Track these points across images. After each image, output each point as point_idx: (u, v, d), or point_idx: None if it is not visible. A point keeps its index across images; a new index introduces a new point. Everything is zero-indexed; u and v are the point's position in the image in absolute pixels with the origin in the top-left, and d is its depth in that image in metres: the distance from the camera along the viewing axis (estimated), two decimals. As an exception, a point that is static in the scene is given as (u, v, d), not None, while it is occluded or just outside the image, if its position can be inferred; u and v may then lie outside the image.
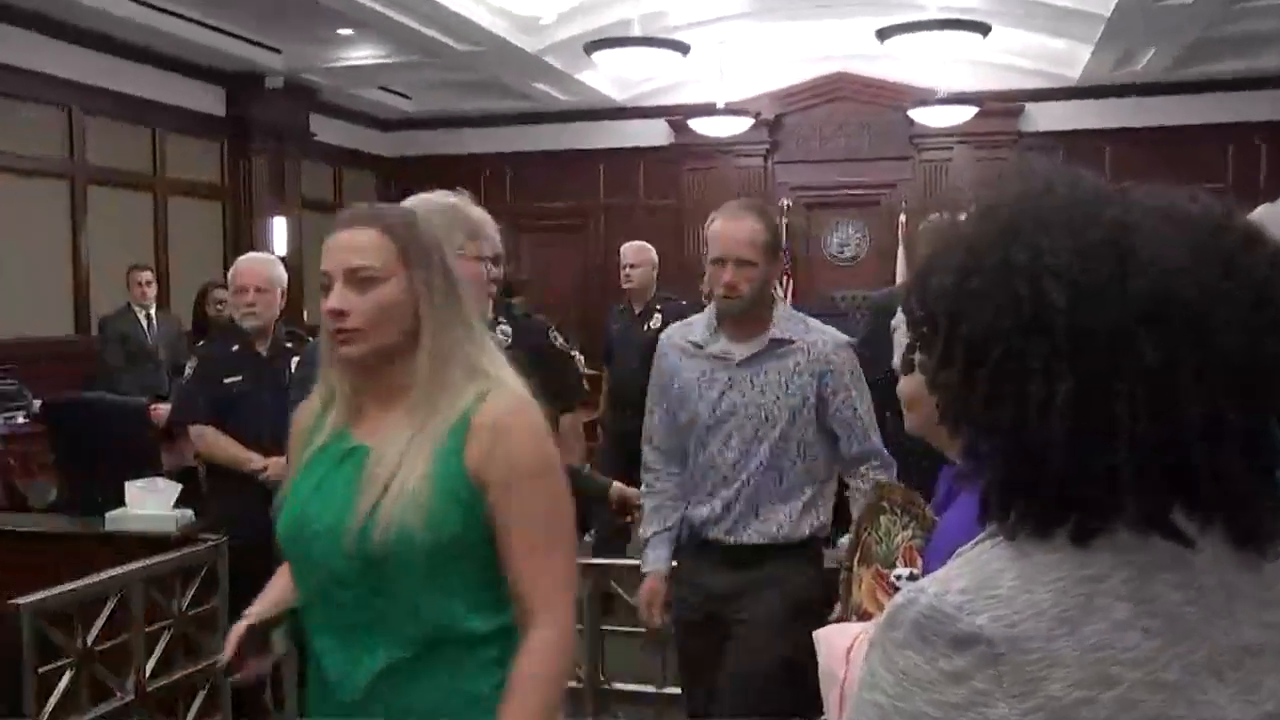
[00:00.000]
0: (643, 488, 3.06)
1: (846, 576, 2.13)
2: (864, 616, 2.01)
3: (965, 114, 10.23)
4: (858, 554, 2.09)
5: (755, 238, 2.81)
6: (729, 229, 2.83)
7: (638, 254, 6.15)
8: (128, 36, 8.74)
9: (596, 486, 3.50)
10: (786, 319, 2.91)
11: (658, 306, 5.94)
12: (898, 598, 0.88)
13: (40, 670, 3.15)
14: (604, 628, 3.79)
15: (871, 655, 0.88)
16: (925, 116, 10.49)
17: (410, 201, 2.56)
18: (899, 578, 1.45)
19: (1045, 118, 11.45)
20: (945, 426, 0.93)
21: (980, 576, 0.86)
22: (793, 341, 2.86)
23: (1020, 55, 10.72)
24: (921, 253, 1.00)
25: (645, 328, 5.66)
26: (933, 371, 0.91)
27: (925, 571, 1.81)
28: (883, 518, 2.08)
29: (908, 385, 2.03)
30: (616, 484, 3.49)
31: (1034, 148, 11.20)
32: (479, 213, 2.61)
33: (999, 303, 0.85)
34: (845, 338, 2.95)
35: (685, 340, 2.95)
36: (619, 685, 3.74)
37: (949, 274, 0.89)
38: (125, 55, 9.01)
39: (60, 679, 3.21)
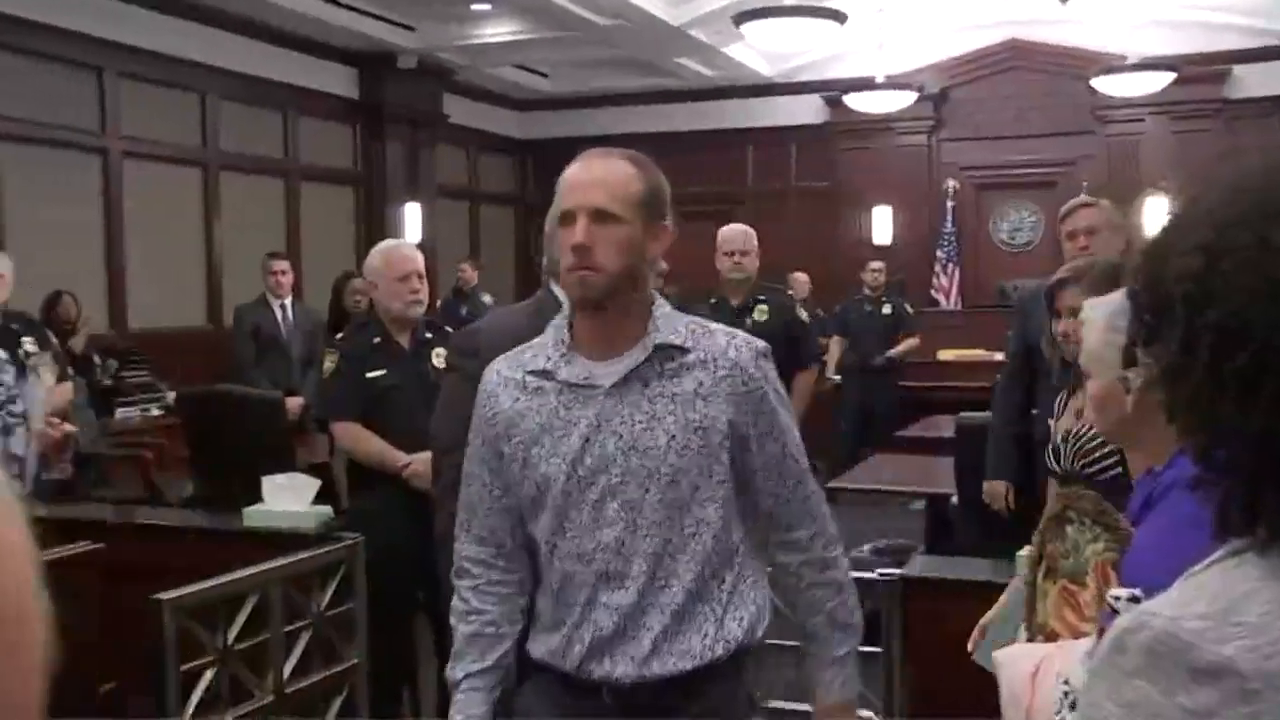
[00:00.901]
0: (455, 602, 2.19)
1: (1029, 592, 2.08)
2: (1050, 636, 1.97)
3: (1159, 81, 9.82)
4: (1042, 567, 2.04)
5: (624, 185, 2.03)
6: (582, 172, 2.07)
7: (747, 239, 5.65)
8: (260, 17, 9.07)
9: None
10: (673, 319, 2.08)
11: (760, 298, 5.54)
12: (1123, 621, 0.85)
13: (183, 668, 3.29)
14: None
15: (1094, 685, 0.85)
16: (1111, 85, 10.11)
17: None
18: (1117, 598, 1.41)
19: (1256, 81, 10.81)
20: (1176, 427, 0.89)
21: (1223, 600, 0.81)
22: (687, 350, 2.03)
23: (1225, 10, 10.19)
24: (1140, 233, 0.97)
25: (747, 323, 5.32)
26: (1168, 366, 0.89)
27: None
28: (1069, 528, 2.03)
29: (1098, 385, 1.99)
30: None
31: (1242, 117, 10.71)
32: None
33: (1255, 287, 0.82)
34: (761, 342, 2.15)
35: (521, 371, 2.10)
36: (772, 703, 3.73)
37: (1193, 256, 0.86)
38: (257, 37, 9.36)
39: (202, 677, 3.35)
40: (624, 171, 2.05)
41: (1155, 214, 10.65)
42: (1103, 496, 2.64)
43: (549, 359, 2.08)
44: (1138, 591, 1.35)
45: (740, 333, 2.15)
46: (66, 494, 4.82)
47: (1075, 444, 2.78)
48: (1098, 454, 2.70)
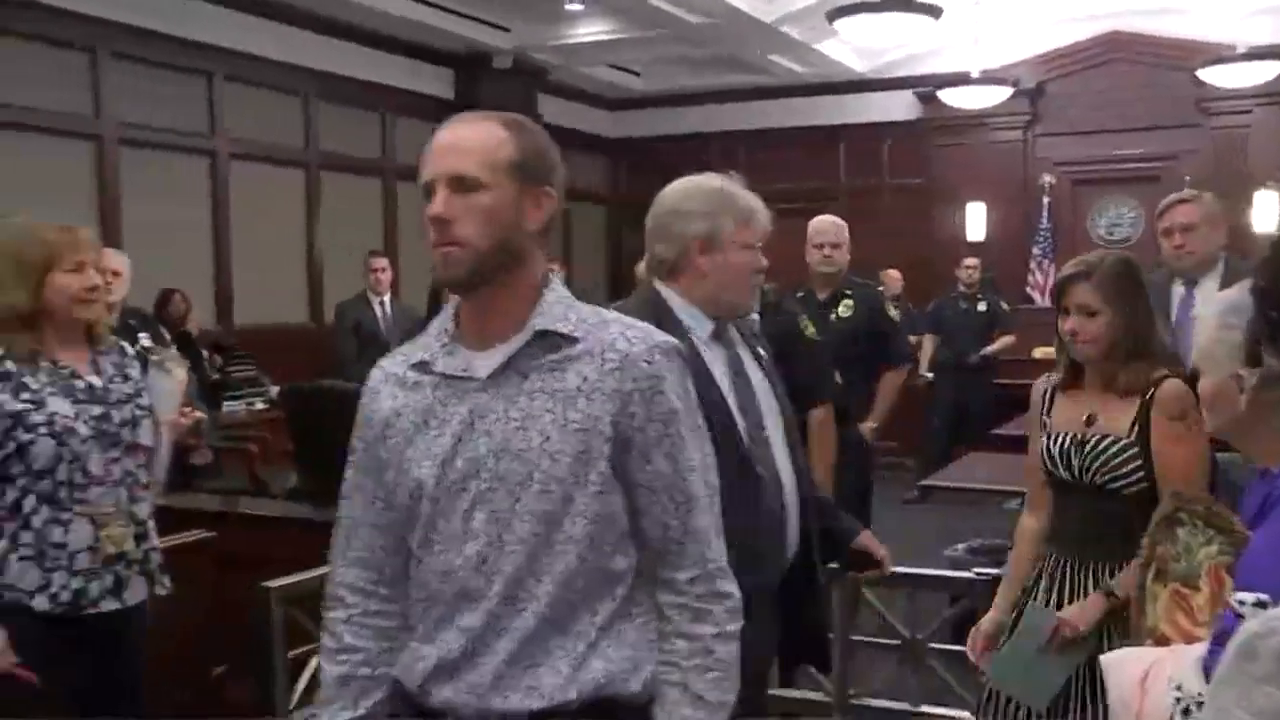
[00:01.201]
0: (324, 638, 1.95)
1: (1140, 594, 2.05)
2: (1160, 640, 1.94)
3: (1268, 71, 9.53)
4: (1151, 570, 2.01)
5: (489, 148, 1.77)
6: (441, 137, 1.83)
7: (839, 232, 5.47)
8: (359, 20, 9.22)
9: (843, 529, 2.95)
10: (564, 304, 1.81)
11: (847, 292, 5.35)
12: (1251, 626, 0.84)
13: (290, 655, 3.38)
14: (854, 638, 3.76)
15: (1221, 691, 0.84)
16: (1217, 76, 9.82)
17: (675, 187, 2.62)
18: (1242, 603, 1.38)
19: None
20: None
21: None
22: (575, 339, 1.75)
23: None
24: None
25: (833, 317, 5.16)
26: None
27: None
28: (1180, 530, 1.99)
29: (1209, 383, 1.95)
30: (865, 532, 3.01)
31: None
32: (749, 197, 2.62)
33: None
34: (667, 338, 1.82)
35: (404, 366, 1.85)
36: (868, 701, 3.71)
37: None
38: (357, 40, 9.51)
39: (308, 664, 3.43)
40: (489, 133, 1.80)
41: (1266, 209, 10.39)
42: (1131, 511, 2.63)
43: (430, 350, 1.82)
44: (1264, 596, 1.32)
45: (643, 324, 1.83)
46: (187, 482, 4.97)
47: (1094, 455, 2.72)
48: (1125, 468, 2.69)
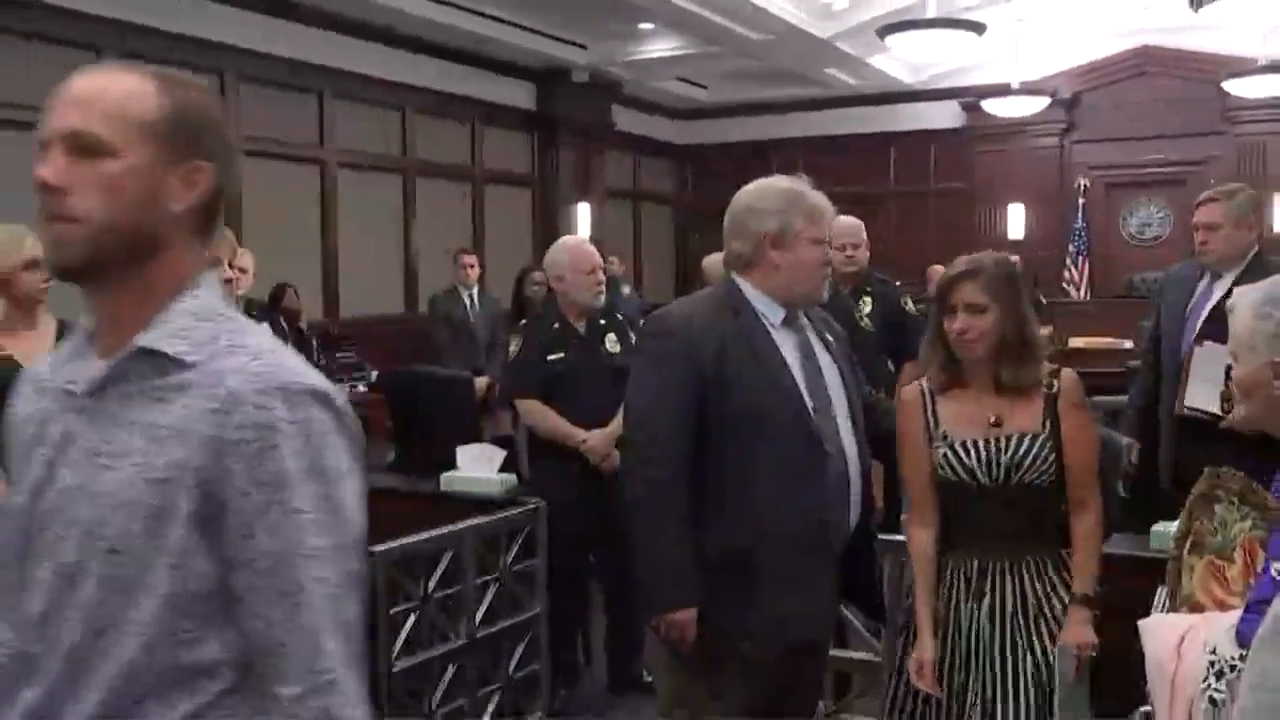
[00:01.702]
0: None
1: (1175, 565, 2.01)
2: (1195, 608, 1.90)
3: (1289, 83, 9.36)
4: (1188, 542, 1.96)
5: (124, 104, 1.26)
6: (72, 85, 1.29)
7: (857, 232, 5.26)
8: (451, 40, 9.28)
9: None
10: (192, 317, 1.27)
11: (868, 289, 5.17)
12: None
13: (391, 611, 3.41)
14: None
15: (1263, 652, 0.82)
16: (1242, 88, 9.69)
17: (750, 187, 2.61)
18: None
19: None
20: None
21: None
22: (186, 365, 1.23)
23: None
24: None
25: (855, 316, 4.89)
26: None
27: (1269, 566, 1.69)
28: (1217, 506, 1.94)
29: (1244, 371, 1.90)
30: None
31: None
32: (817, 196, 2.60)
33: None
34: (311, 382, 1.25)
35: (44, 369, 1.37)
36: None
37: None
38: (448, 57, 9.58)
39: (407, 620, 3.46)
40: (127, 86, 1.27)
41: (1284, 210, 10.21)
42: (1049, 503, 2.49)
43: (72, 347, 1.33)
44: None
45: (285, 359, 1.27)
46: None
47: (1014, 455, 2.47)
48: (1044, 463, 2.47)
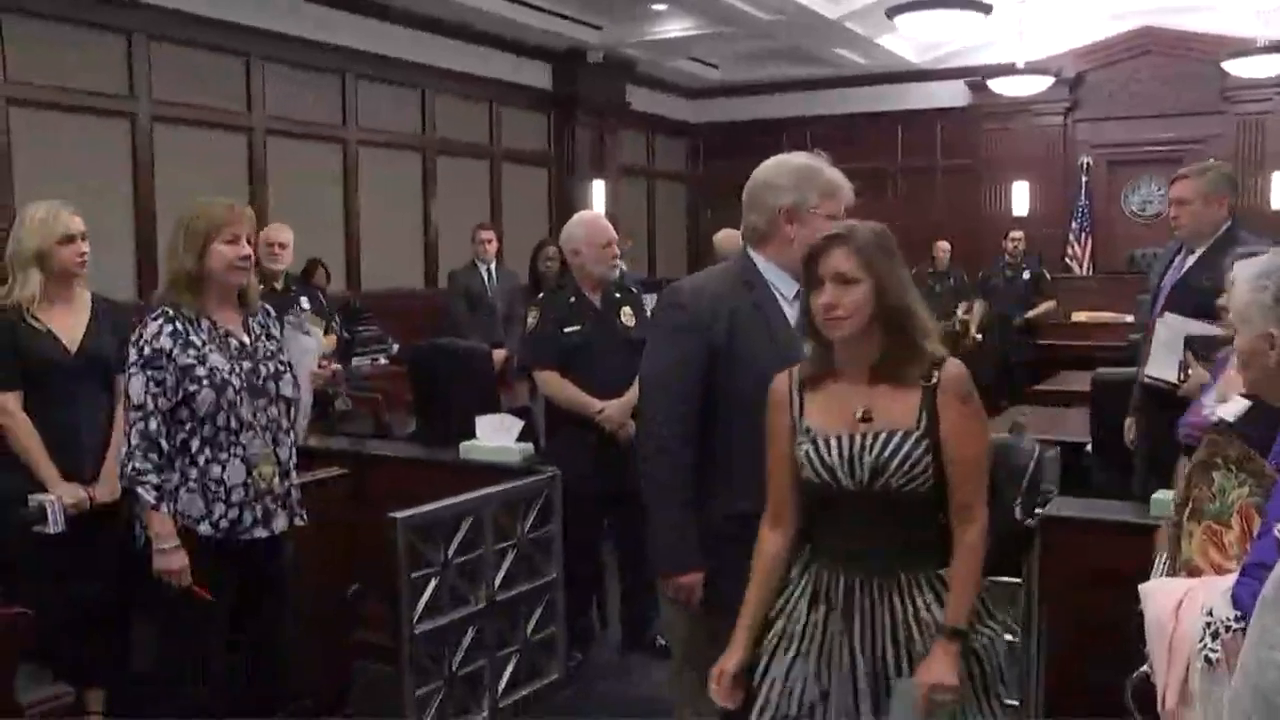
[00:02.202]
0: None
1: (1175, 531, 2.00)
2: (1193, 572, 1.89)
3: (1287, 63, 9.27)
4: (1187, 509, 1.96)
5: None
6: None
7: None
8: (469, 21, 9.23)
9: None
10: None
11: None
12: None
13: (412, 576, 3.43)
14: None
15: (1266, 612, 0.81)
16: (1241, 68, 9.60)
17: (768, 163, 2.60)
18: None
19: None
20: None
21: None
22: None
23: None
24: None
25: None
26: None
27: (1265, 530, 1.69)
28: (1215, 474, 1.93)
29: (1242, 343, 1.89)
30: None
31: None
32: (833, 173, 2.59)
33: None
34: None
35: None
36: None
37: None
38: (467, 38, 9.53)
39: (427, 584, 3.48)
40: None
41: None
42: (927, 513, 2.11)
43: None
44: None
45: None
46: (323, 427, 5.07)
47: (882, 455, 2.09)
48: (918, 465, 2.09)
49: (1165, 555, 2.04)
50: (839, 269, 2.09)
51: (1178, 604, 1.76)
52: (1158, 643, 1.76)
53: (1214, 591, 1.69)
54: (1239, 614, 1.60)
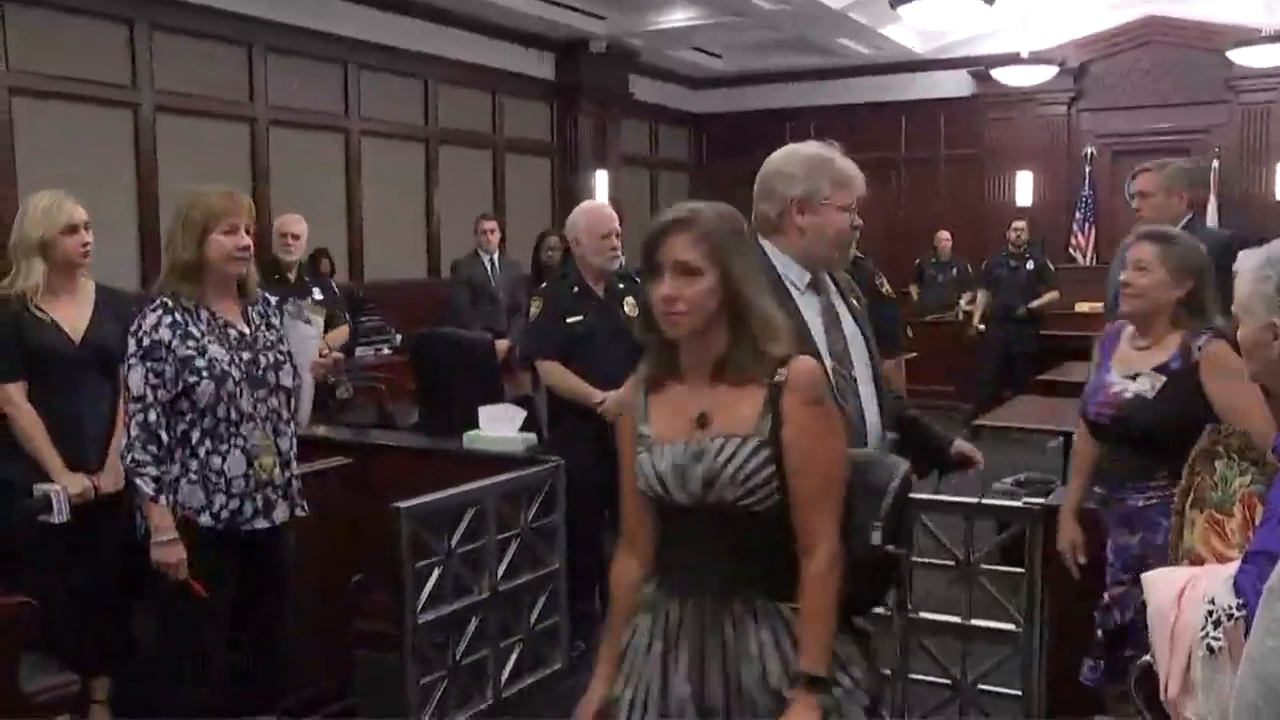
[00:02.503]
0: None
1: (1178, 520, 2.00)
2: (1195, 560, 1.89)
3: (1293, 53, 9.24)
4: (1190, 497, 1.95)
5: None
6: None
7: None
8: (472, 11, 9.21)
9: (942, 438, 2.86)
10: None
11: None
12: None
13: (416, 565, 3.43)
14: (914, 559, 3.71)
15: (1273, 602, 0.81)
16: (1245, 57, 9.56)
17: (781, 151, 2.58)
18: None
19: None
20: None
21: None
22: None
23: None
24: None
25: (877, 283, 4.70)
26: None
27: (1267, 518, 1.68)
28: (1218, 462, 1.93)
29: (1245, 333, 1.88)
30: (958, 439, 2.91)
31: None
32: (846, 163, 2.56)
33: None
34: None
35: None
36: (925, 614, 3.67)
37: None
38: (470, 28, 9.51)
39: (431, 574, 3.48)
40: None
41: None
42: (773, 533, 1.85)
43: None
44: None
45: None
46: (339, 412, 5.08)
47: (717, 465, 1.84)
48: (757, 477, 1.84)
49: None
50: (680, 258, 1.85)
51: (1180, 592, 1.76)
52: (1160, 631, 1.76)
53: (1216, 580, 1.69)
54: (1241, 602, 1.61)
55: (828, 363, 2.46)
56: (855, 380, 2.51)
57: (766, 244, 2.55)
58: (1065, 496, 3.03)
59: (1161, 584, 1.82)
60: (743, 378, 1.86)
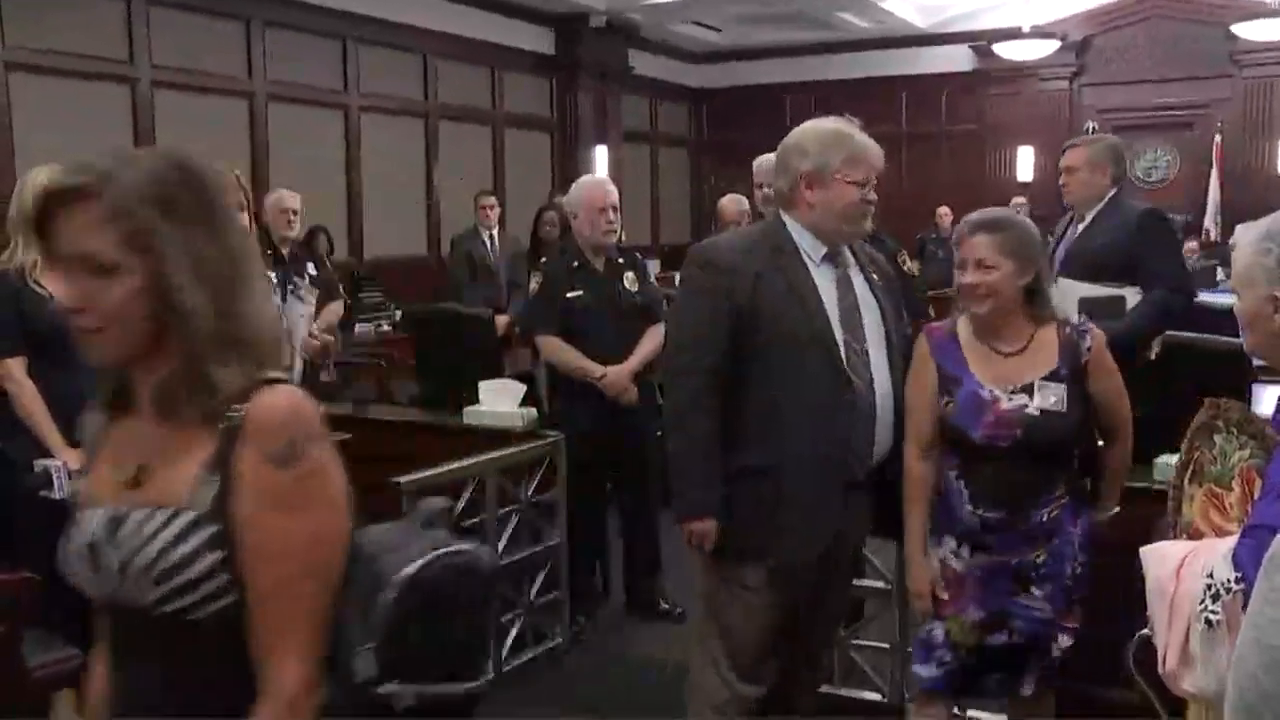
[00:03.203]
0: None
1: (1176, 494, 2.00)
2: (1194, 535, 1.89)
3: (1297, 26, 9.19)
4: (1189, 471, 1.95)
5: None
6: None
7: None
8: (472, -15, 9.17)
9: None
10: None
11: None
12: None
13: (416, 541, 3.43)
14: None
15: (1274, 572, 0.81)
16: (1249, 31, 9.50)
17: (800, 126, 2.62)
18: None
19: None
20: None
21: None
22: None
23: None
24: None
25: (900, 260, 4.56)
26: None
27: (1266, 492, 1.69)
28: (1217, 436, 1.93)
29: (1245, 306, 1.88)
30: None
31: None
32: (862, 138, 2.59)
33: None
34: None
35: None
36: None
37: None
38: (469, 3, 9.46)
39: (431, 549, 3.48)
40: None
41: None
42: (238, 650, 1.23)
43: None
44: None
45: None
46: (325, 395, 5.07)
47: (129, 552, 1.25)
48: (169, 569, 1.23)
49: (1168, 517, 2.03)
50: (83, 248, 1.25)
51: (1178, 566, 1.76)
52: (1158, 605, 1.76)
53: (1214, 553, 1.69)
54: (1239, 575, 1.60)
55: (839, 334, 2.51)
56: (867, 353, 2.55)
57: (786, 217, 2.60)
58: (909, 535, 2.59)
59: (1160, 557, 1.81)
60: (186, 419, 1.26)
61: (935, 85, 11.91)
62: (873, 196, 2.58)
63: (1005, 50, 10.33)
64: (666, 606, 4.38)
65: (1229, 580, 1.63)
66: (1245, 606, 1.55)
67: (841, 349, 2.51)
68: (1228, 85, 10.70)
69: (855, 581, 3.25)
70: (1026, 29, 9.98)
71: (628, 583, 4.59)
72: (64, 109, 6.65)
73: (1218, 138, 10.34)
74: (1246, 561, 1.63)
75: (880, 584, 3.43)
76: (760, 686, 2.64)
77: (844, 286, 2.58)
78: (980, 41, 11.14)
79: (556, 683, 3.89)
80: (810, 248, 2.57)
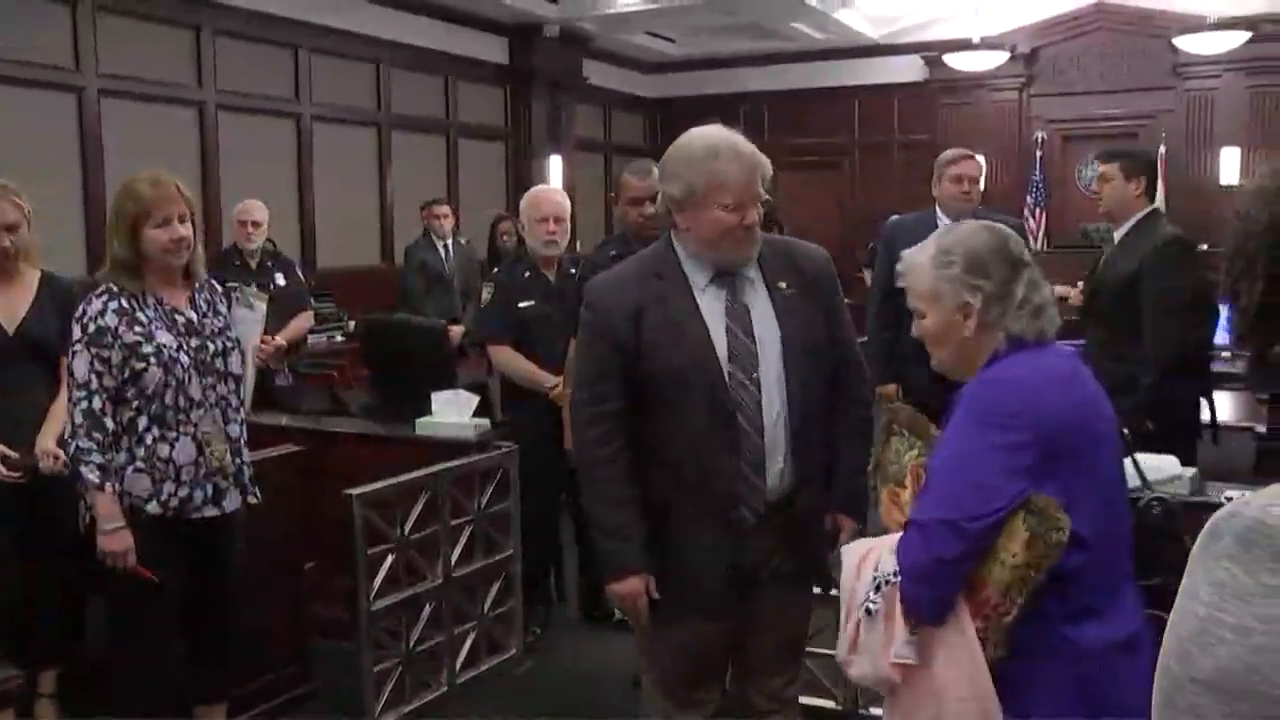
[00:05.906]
0: None
1: (872, 495, 2.12)
2: (881, 533, 2.03)
3: (1236, 39, 9.38)
4: (880, 474, 2.08)
5: None
6: None
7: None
8: (425, -6, 9.15)
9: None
10: None
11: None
12: (1221, 510, 0.84)
13: (369, 552, 3.43)
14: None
15: (1193, 567, 0.84)
16: (1191, 44, 9.71)
17: (676, 142, 2.42)
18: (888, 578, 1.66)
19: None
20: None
21: None
22: None
23: (1300, -27, 9.70)
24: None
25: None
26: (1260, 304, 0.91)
27: (923, 488, 1.85)
28: (894, 439, 2.05)
29: (933, 323, 1.99)
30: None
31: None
32: (729, 160, 2.34)
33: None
34: None
35: None
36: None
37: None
38: (422, 13, 9.44)
39: (384, 561, 3.49)
40: None
41: (1229, 163, 10.35)
42: None
43: None
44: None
45: None
46: (278, 405, 5.04)
47: None
48: None
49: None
50: None
51: (859, 561, 1.90)
52: (845, 601, 1.90)
53: (885, 549, 1.85)
54: (897, 569, 1.79)
55: (724, 365, 2.35)
56: (757, 384, 2.37)
57: (674, 238, 2.45)
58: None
59: (850, 555, 1.94)
60: None
61: (887, 95, 12.03)
62: (752, 220, 2.35)
63: (956, 61, 10.46)
64: (620, 616, 4.40)
65: (890, 574, 1.80)
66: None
67: (726, 379, 2.35)
68: (1171, 97, 10.91)
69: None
70: (977, 40, 10.11)
71: (582, 590, 4.61)
72: (7, 118, 6.56)
73: (1162, 148, 10.53)
74: (902, 554, 1.81)
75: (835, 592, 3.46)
76: (699, 713, 2.53)
77: (736, 311, 2.40)
78: (931, 52, 11.27)
79: (512, 694, 3.89)
80: (696, 271, 2.40)
